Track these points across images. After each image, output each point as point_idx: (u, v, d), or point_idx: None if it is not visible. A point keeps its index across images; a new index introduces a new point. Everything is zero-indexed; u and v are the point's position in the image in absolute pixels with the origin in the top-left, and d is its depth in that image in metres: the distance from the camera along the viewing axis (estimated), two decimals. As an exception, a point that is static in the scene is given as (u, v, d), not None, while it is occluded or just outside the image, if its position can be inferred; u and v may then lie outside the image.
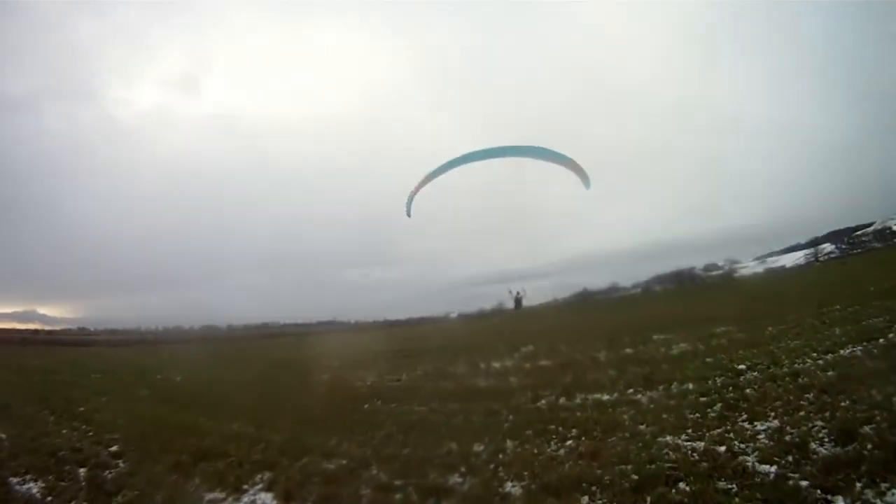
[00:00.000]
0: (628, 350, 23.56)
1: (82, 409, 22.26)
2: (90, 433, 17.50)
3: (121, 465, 13.50)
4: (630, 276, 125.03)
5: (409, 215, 21.00)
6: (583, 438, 11.58)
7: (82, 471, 13.01)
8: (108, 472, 12.87)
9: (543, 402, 15.97)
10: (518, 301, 23.17)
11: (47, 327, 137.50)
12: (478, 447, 11.97)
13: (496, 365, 25.12)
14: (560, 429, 12.63)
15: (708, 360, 18.20)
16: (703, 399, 13.07)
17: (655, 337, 26.33)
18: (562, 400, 15.90)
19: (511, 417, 14.41)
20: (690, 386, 14.82)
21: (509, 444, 12.01)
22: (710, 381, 14.79)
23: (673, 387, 15.19)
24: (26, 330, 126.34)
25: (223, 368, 39.51)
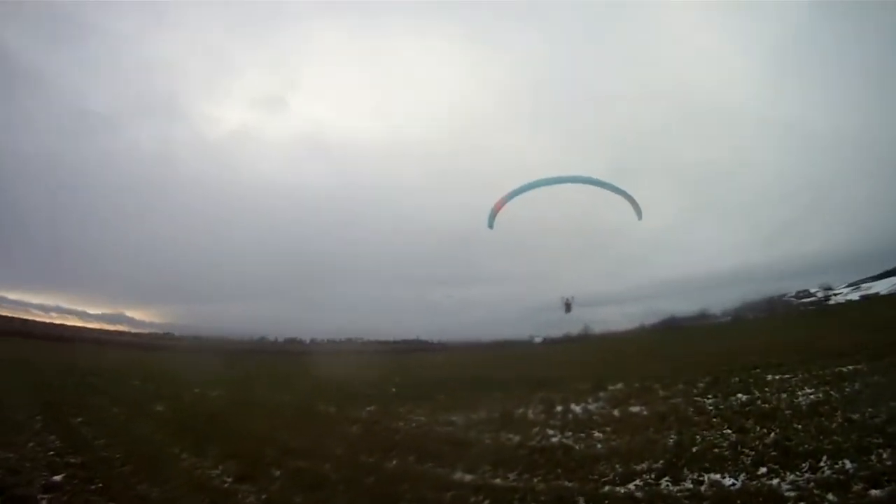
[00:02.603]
0: (740, 395, 18.49)
1: (73, 419, 19.81)
2: (51, 452, 14.64)
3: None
4: (718, 302, 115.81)
5: (490, 227, 20.17)
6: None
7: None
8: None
9: (638, 482, 11.10)
10: (568, 306, 21.37)
11: (133, 329, 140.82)
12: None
13: (576, 409, 20.27)
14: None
15: (853, 416, 13.44)
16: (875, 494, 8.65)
17: (769, 377, 21.42)
18: (665, 482, 10.95)
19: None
20: (847, 465, 10.17)
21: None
22: (871, 458, 10.24)
23: (824, 465, 10.43)
24: (112, 331, 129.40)
25: (268, 388, 35.45)
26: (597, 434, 15.72)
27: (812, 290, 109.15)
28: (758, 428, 13.95)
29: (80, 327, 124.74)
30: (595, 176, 20.14)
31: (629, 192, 19.95)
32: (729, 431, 14.03)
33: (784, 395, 17.56)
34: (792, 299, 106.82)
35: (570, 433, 16.06)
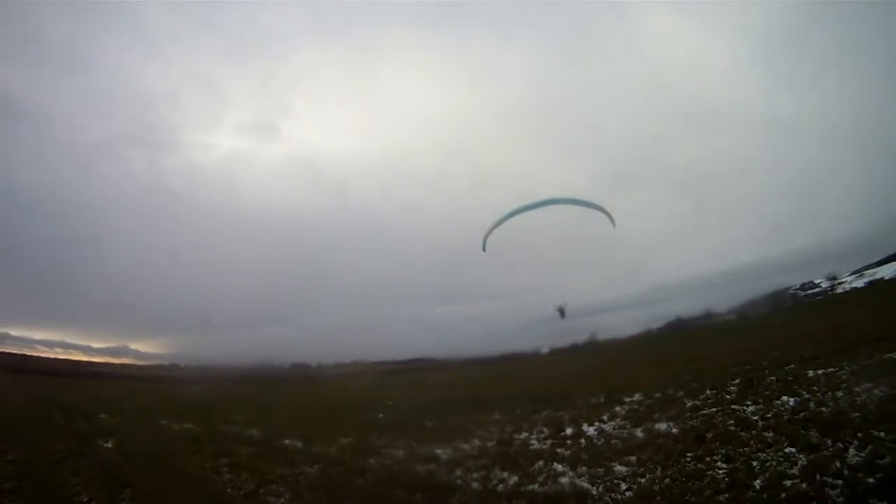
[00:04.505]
0: (786, 399, 14.71)
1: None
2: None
3: None
4: (723, 302, 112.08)
5: (484, 250, 21.32)
6: None
7: None
8: None
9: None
10: (562, 312, 22.18)
11: (139, 362, 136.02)
12: None
13: (590, 431, 16.35)
14: None
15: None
16: None
17: (811, 373, 17.74)
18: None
19: None
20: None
21: None
22: None
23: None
24: (115, 364, 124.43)
25: (244, 418, 30.34)
26: (619, 468, 11.70)
27: (816, 282, 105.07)
28: (829, 441, 10.31)
29: (76, 361, 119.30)
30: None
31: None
32: (793, 450, 10.34)
33: (840, 395, 13.90)
34: (798, 292, 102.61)
35: (584, 468, 12.04)
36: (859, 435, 10.30)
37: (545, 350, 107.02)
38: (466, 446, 16.44)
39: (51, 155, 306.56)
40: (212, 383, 77.93)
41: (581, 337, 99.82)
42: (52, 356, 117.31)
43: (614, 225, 21.50)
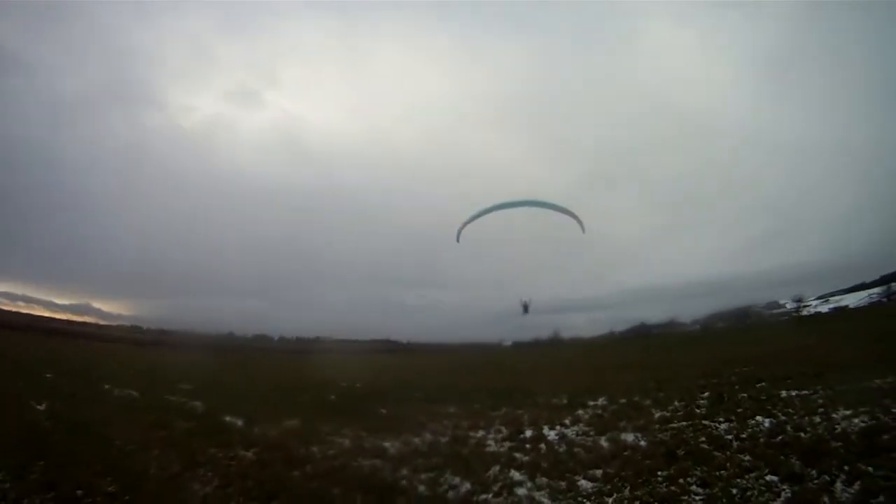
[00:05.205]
0: (760, 419, 13.79)
1: None
2: None
3: None
4: (688, 312, 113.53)
5: (458, 241, 21.28)
6: None
7: None
8: None
9: None
10: (525, 307, 21.35)
11: (101, 321, 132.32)
12: None
13: (551, 434, 15.26)
14: None
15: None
16: None
17: (783, 394, 16.89)
18: None
19: None
20: None
21: None
22: None
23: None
24: (75, 322, 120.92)
25: (192, 388, 28.17)
26: (583, 482, 10.44)
27: (781, 302, 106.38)
28: (813, 472, 9.30)
29: (36, 316, 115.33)
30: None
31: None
32: (775, 479, 9.30)
33: (818, 420, 12.97)
34: (762, 310, 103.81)
35: (544, 480, 10.75)
36: (845, 468, 9.33)
37: (508, 343, 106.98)
38: (417, 440, 15.10)
39: (27, 104, 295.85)
40: (169, 348, 75.54)
41: (545, 333, 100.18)
42: (13, 309, 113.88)
43: (584, 231, 21.44)
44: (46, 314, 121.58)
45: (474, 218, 20.96)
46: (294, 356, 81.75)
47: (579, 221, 21.02)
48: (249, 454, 13.44)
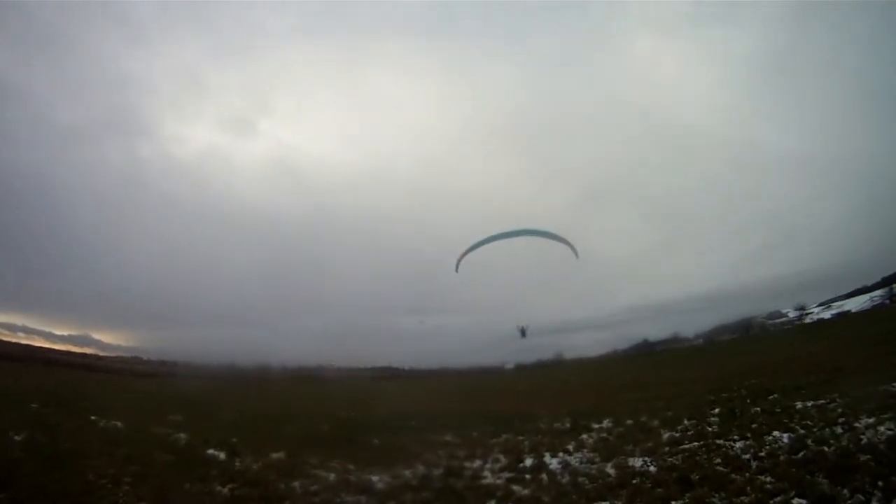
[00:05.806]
0: (778, 434, 12.73)
1: None
2: None
3: None
4: (690, 326, 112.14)
5: (456, 271, 21.90)
6: None
7: None
8: None
9: None
10: (523, 332, 22.29)
11: (101, 353, 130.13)
12: None
13: (553, 463, 14.08)
14: None
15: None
16: None
17: (798, 405, 15.85)
18: None
19: None
20: None
21: None
22: None
23: None
24: (74, 353, 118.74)
25: (183, 420, 26.90)
26: None
27: (784, 311, 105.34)
28: (845, 492, 8.24)
29: (35, 347, 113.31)
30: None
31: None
32: (802, 502, 8.24)
33: (840, 430, 11.93)
34: (765, 320, 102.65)
35: None
36: (879, 483, 8.31)
37: (510, 366, 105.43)
38: (408, 473, 13.93)
39: (22, 135, 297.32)
40: (166, 379, 74.01)
41: (547, 354, 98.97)
42: (12, 340, 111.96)
43: (577, 257, 21.94)
44: (46, 345, 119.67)
45: (472, 249, 21.37)
46: (294, 385, 79.92)
47: (573, 248, 21.41)
48: (225, 490, 12.30)
